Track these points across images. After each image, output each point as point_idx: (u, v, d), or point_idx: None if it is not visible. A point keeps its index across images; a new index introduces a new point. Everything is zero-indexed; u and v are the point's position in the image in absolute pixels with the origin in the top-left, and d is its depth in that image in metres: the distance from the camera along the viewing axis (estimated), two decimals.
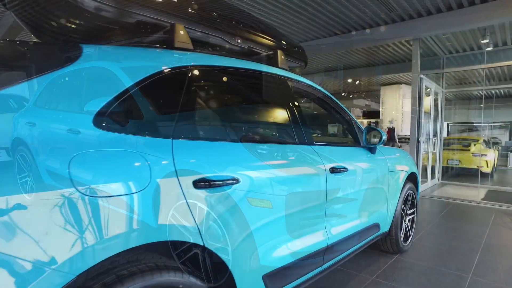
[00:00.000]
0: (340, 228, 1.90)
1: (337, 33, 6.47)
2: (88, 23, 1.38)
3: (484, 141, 9.02)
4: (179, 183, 1.04)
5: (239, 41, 1.81)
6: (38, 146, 0.83)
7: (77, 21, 1.37)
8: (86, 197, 0.83)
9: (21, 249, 0.73)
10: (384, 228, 2.55)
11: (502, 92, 11.48)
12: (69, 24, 1.46)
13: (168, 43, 1.40)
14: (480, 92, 9.94)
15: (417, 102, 6.05)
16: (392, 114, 12.02)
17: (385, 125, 11.85)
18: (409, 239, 3.02)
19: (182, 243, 1.05)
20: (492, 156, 8.44)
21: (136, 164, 0.97)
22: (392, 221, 2.65)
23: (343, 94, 13.99)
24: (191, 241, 1.05)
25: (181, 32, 1.42)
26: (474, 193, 6.10)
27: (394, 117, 11.87)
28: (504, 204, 5.14)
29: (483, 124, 11.36)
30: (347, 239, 1.99)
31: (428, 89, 6.77)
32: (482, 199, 5.58)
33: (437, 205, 5.13)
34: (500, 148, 11.39)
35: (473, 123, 11.73)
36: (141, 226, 0.94)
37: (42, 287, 0.75)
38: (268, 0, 4.83)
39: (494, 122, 12.45)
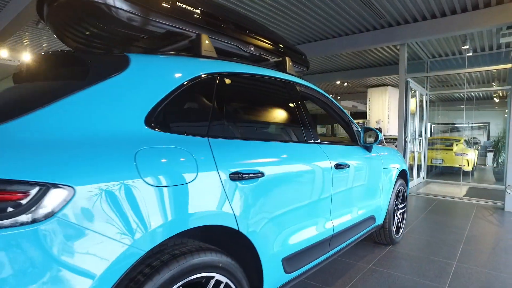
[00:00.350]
0: (343, 219, 2.10)
1: (328, 37, 6.72)
2: (123, 33, 1.52)
3: (465, 141, 9.49)
4: (219, 176, 1.20)
5: (252, 48, 1.98)
6: (104, 143, 0.97)
7: (115, 31, 1.51)
8: (151, 187, 0.99)
9: (110, 228, 0.88)
10: (379, 220, 2.77)
11: (481, 95, 12.06)
12: (106, 34, 1.59)
13: (196, 52, 1.56)
14: (462, 94, 10.45)
15: (404, 103, 6.36)
16: (379, 115, 12.43)
17: (372, 125, 12.24)
18: (401, 231, 3.26)
19: (221, 227, 1.21)
20: (472, 155, 8.91)
21: (186, 159, 1.12)
22: (386, 214, 2.87)
23: (331, 95, 14.33)
24: (229, 225, 1.21)
25: (206, 41, 1.58)
26: (457, 190, 6.48)
27: (381, 118, 12.28)
28: (483, 200, 5.51)
29: (464, 125, 11.92)
30: (348, 229, 2.18)
31: (414, 92, 7.11)
32: (464, 196, 5.94)
33: (423, 201, 5.43)
34: (479, 147, 11.97)
35: (454, 123, 12.28)
36: (193, 212, 1.09)
37: (125, 259, 0.90)
38: (261, 4, 5.00)
39: (474, 123, 13.05)
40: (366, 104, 13.40)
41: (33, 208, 0.77)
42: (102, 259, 0.86)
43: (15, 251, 0.75)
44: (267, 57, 2.13)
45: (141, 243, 0.94)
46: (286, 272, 1.56)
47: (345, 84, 12.01)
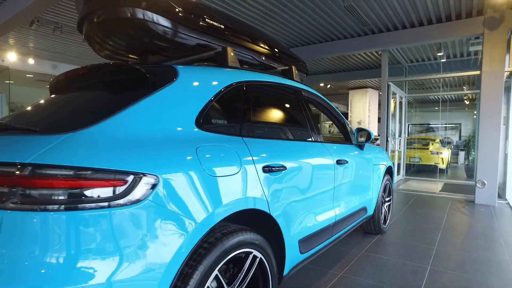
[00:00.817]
0: (342, 208, 2.38)
1: (315, 42, 7.07)
2: (160, 44, 1.73)
3: (440, 140, 10.16)
4: (255, 168, 1.44)
5: (263, 58, 2.23)
6: (171, 141, 1.19)
7: (153, 43, 1.72)
8: (210, 176, 1.21)
9: (184, 208, 1.10)
10: (370, 211, 3.09)
11: (454, 97, 12.90)
12: (142, 45, 1.79)
13: (222, 62, 1.79)
14: (436, 97, 11.16)
15: (386, 105, 6.81)
16: (360, 116, 12.98)
17: (353, 126, 12.76)
18: (387, 222, 3.61)
19: (258, 210, 1.44)
20: (446, 154, 9.57)
21: (233, 154, 1.35)
22: (375, 206, 3.20)
23: None
24: (263, 209, 1.45)
25: (231, 53, 1.82)
26: (434, 186, 7.00)
27: (362, 119, 12.84)
28: (457, 194, 6.03)
29: (438, 125, 12.70)
30: (347, 217, 2.47)
31: (394, 94, 7.60)
32: (440, 191, 6.45)
33: (404, 196, 5.87)
34: (452, 147, 12.79)
35: (430, 124, 13.06)
36: (241, 197, 1.33)
37: (195, 234, 1.12)
38: (250, 8, 5.22)
39: (447, 124, 13.91)
40: (347, 105, 13.92)
41: (130, 192, 0.98)
42: (180, 233, 1.08)
43: (119, 225, 0.96)
44: (274, 65, 2.39)
45: (206, 221, 1.16)
46: (301, 252, 1.82)
47: (328, 86, 12.47)
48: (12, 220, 0.88)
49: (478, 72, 5.76)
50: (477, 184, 5.29)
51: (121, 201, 0.97)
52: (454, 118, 14.28)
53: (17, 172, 0.91)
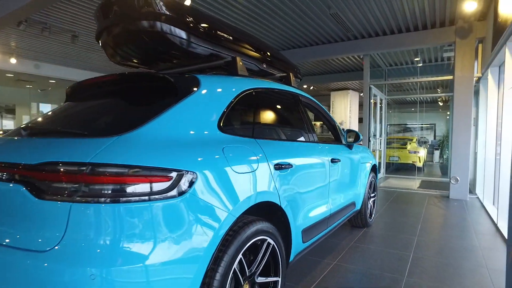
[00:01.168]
0: (336, 202, 2.62)
1: (300, 46, 7.35)
2: (175, 53, 1.89)
3: (417, 140, 10.75)
4: (269, 166, 1.63)
5: (264, 66, 2.43)
6: (201, 142, 1.36)
7: (169, 52, 1.88)
8: (235, 172, 1.39)
9: (217, 200, 1.28)
10: (358, 206, 3.36)
11: (429, 99, 13.63)
12: (157, 54, 1.95)
13: (232, 71, 1.97)
14: (413, 98, 11.78)
15: (368, 107, 7.19)
16: (342, 117, 13.45)
17: None
18: (373, 216, 3.90)
19: (270, 202, 1.64)
20: (423, 153, 10.15)
21: (251, 153, 1.54)
22: (363, 201, 3.47)
23: None
24: (276, 202, 1.65)
25: (240, 63, 2.00)
26: (412, 183, 7.46)
27: (343, 120, 13.31)
28: (433, 190, 6.48)
29: (415, 126, 13.37)
30: (339, 211, 2.72)
31: (375, 96, 8.01)
32: (418, 187, 6.89)
33: (385, 193, 6.25)
34: (428, 146, 13.51)
35: (407, 124, 13.72)
36: (259, 191, 1.52)
37: (226, 221, 1.30)
38: (238, 12, 5.39)
39: (423, 124, 14.67)
40: (329, 106, 14.37)
41: (175, 187, 1.15)
42: (215, 222, 1.26)
43: (167, 214, 1.13)
44: (273, 72, 2.59)
45: (234, 211, 1.34)
46: (303, 241, 2.03)
47: (311, 88, 12.85)
48: (81, 211, 1.04)
49: (451, 77, 6.23)
50: (451, 181, 5.73)
51: (168, 194, 1.14)
52: (429, 119, 15.09)
53: (80, 169, 1.06)
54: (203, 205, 1.23)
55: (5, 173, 1.18)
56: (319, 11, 5.28)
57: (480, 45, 5.84)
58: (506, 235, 2.68)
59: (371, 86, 7.29)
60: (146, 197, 1.10)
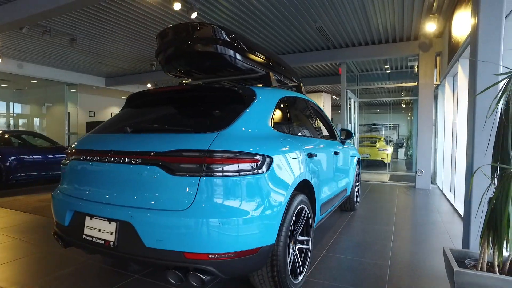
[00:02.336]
0: (337, 185, 3.28)
1: (284, 53, 8.01)
2: (225, 67, 2.43)
3: (384, 139, 11.90)
4: (305, 155, 2.22)
5: (282, 77, 3.02)
6: (266, 137, 1.91)
7: (220, 67, 2.41)
8: (290, 158, 1.95)
9: (284, 176, 1.83)
10: (348, 192, 4.06)
11: (394, 101, 15.02)
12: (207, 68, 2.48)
13: (267, 83, 2.54)
14: (382, 100, 12.98)
15: (345, 109, 8.02)
16: None
17: None
18: (358, 202, 4.64)
19: (306, 180, 2.22)
20: (389, 150, 11.29)
21: (295, 145, 2.11)
22: (351, 188, 4.18)
23: None
24: (309, 180, 2.24)
25: (272, 76, 2.57)
26: (383, 177, 8.42)
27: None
28: (401, 182, 7.45)
29: (382, 126, 14.66)
30: (338, 194, 3.37)
31: (350, 99, 8.90)
32: (389, 180, 7.85)
33: (362, 185, 7.09)
34: (393, 144, 14.87)
35: (375, 124, 14.98)
36: (302, 172, 2.08)
37: (290, 190, 1.86)
38: (224, 17, 5.92)
39: (389, 124, 16.07)
40: None
41: (262, 166, 1.70)
42: (284, 189, 1.81)
43: (260, 183, 1.67)
44: (286, 82, 3.19)
45: (293, 184, 1.91)
46: (320, 214, 2.64)
47: None
48: (206, 182, 1.55)
49: (416, 83, 7.22)
50: (417, 173, 6.69)
51: (259, 171, 1.68)
52: (394, 120, 16.54)
53: (201, 154, 1.58)
54: (278, 179, 1.79)
55: (139, 159, 1.65)
56: (305, 24, 5.94)
57: (438, 58, 6.87)
58: (462, 213, 3.50)
59: (347, 90, 8.14)
60: (247, 173, 1.63)
